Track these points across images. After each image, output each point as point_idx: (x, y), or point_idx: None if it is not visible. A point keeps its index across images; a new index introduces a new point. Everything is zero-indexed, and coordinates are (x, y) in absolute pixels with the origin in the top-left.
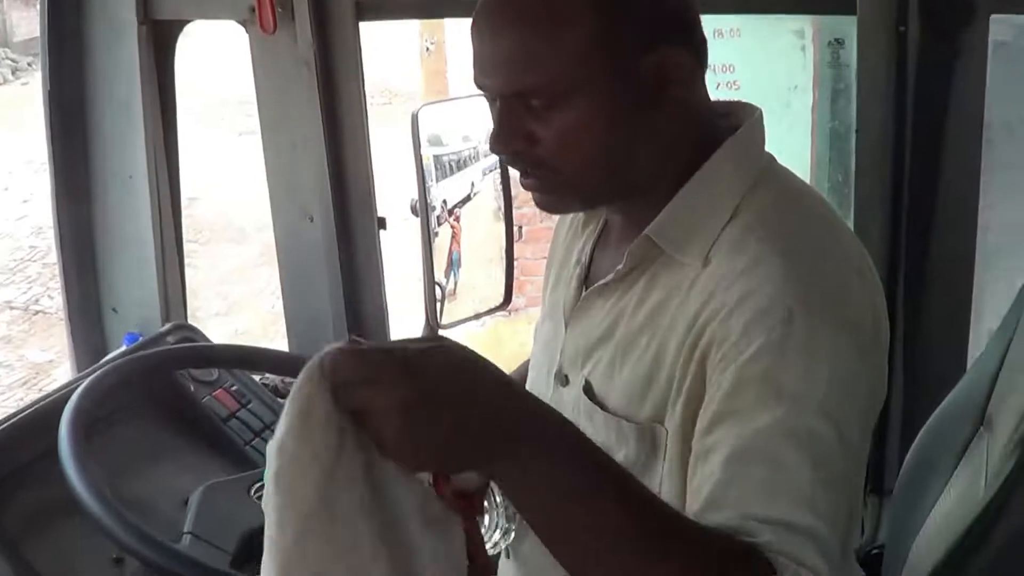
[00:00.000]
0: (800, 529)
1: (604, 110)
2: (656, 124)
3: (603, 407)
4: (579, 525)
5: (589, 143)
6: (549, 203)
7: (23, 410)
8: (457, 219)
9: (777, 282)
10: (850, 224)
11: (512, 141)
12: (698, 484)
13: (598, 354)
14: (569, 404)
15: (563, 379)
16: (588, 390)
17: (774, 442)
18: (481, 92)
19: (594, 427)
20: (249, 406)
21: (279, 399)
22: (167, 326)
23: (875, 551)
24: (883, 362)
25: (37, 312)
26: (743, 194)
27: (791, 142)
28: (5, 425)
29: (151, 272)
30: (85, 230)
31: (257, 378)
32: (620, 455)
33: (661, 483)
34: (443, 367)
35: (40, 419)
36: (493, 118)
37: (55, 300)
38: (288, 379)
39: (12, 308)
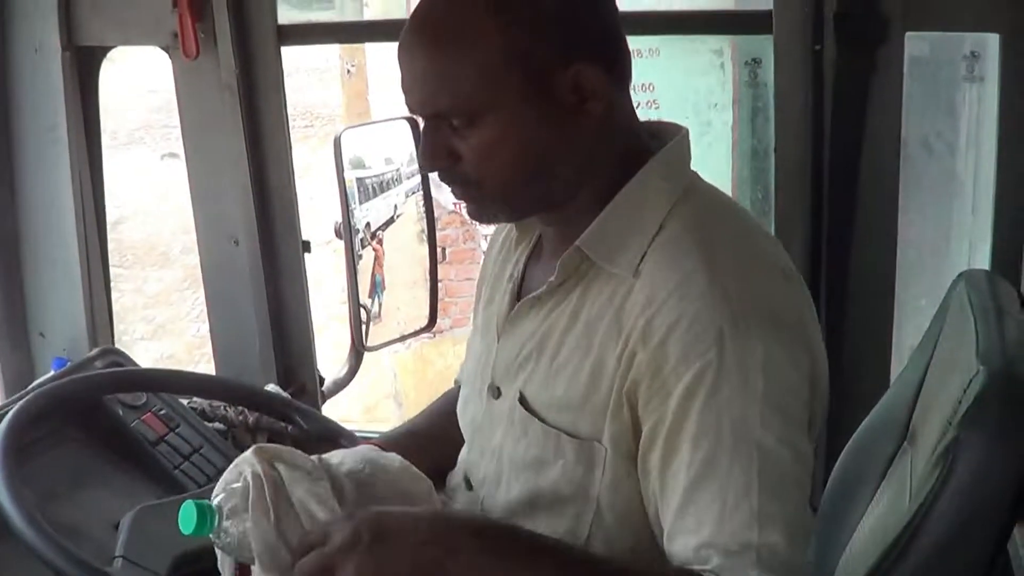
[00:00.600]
0: (751, 546)
1: (517, 126)
2: (575, 139)
3: (540, 418)
4: None
5: (505, 158)
6: (477, 214)
7: None
8: (380, 242)
9: (707, 301)
10: None
11: (437, 159)
12: (656, 514)
13: (531, 365)
14: (502, 417)
15: (495, 391)
16: (523, 401)
17: (719, 467)
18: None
19: (528, 440)
20: (178, 430)
21: (207, 422)
22: (95, 351)
23: None
24: (818, 357)
25: None
26: (670, 207)
27: (712, 160)
28: None
29: (77, 296)
30: (11, 254)
31: (185, 402)
32: (557, 466)
33: (599, 496)
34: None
35: None
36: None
37: None
38: (215, 402)
39: None
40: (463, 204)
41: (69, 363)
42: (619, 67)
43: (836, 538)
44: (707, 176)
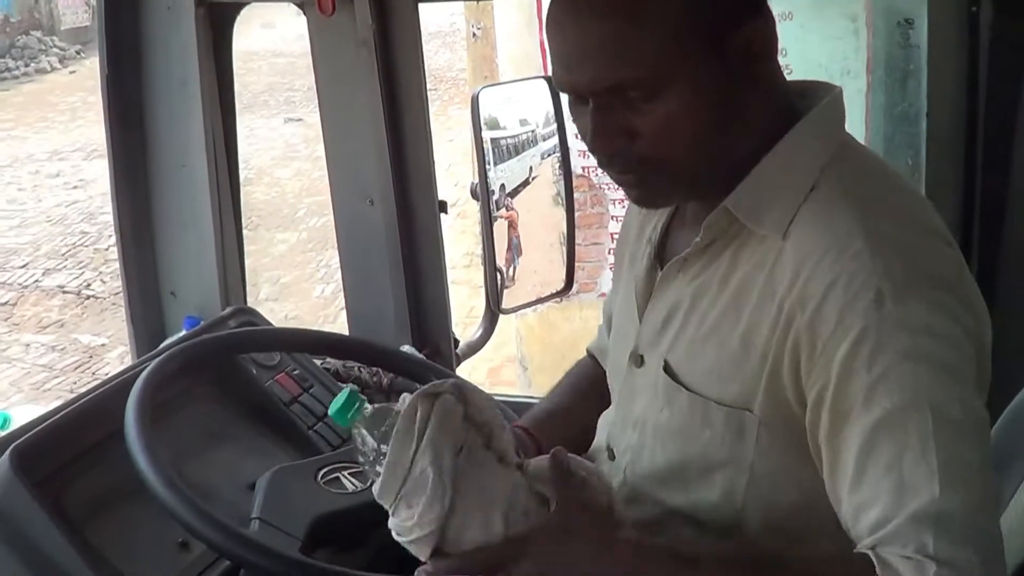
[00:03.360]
0: (927, 517)
1: (704, 93)
2: (748, 102)
3: (687, 387)
4: None
5: (694, 129)
6: (650, 198)
7: (86, 394)
8: (515, 205)
9: (864, 261)
10: None
11: (614, 139)
12: (832, 487)
13: (676, 332)
14: (646, 387)
15: (638, 360)
16: (668, 369)
17: (893, 430)
18: (568, 94)
19: (672, 409)
20: (311, 391)
21: (340, 384)
22: (228, 310)
23: None
24: (981, 317)
25: (89, 297)
26: (822, 167)
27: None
28: (69, 409)
29: (210, 255)
30: (143, 214)
31: (319, 363)
32: (703, 436)
33: (753, 464)
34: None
35: (104, 404)
36: (580, 117)
37: (107, 285)
38: (349, 364)
39: (65, 292)
40: (629, 188)
41: (201, 322)
42: (774, 24)
43: None
44: None
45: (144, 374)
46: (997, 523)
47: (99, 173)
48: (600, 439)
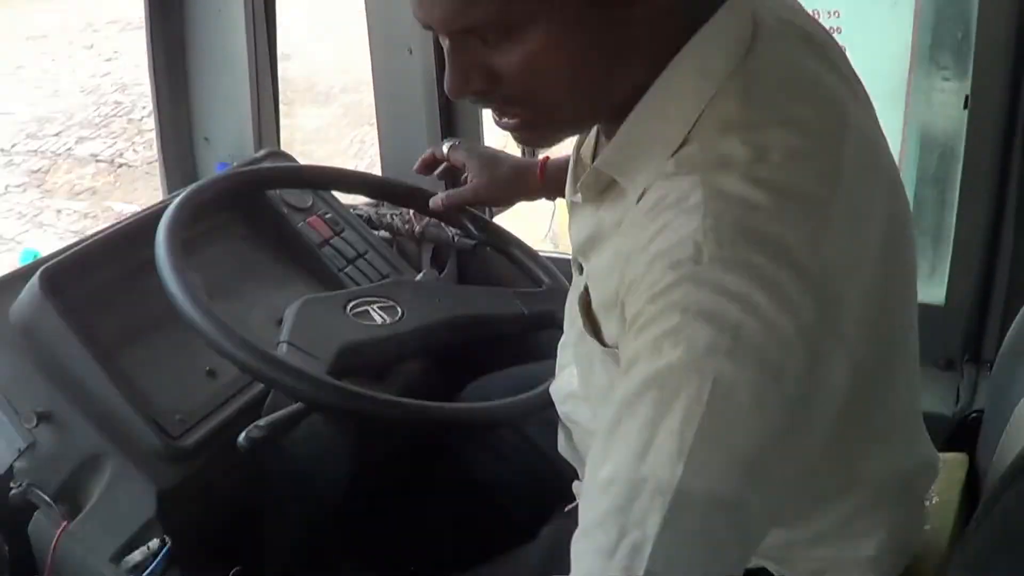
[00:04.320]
0: (664, 492)
1: (568, 32)
2: (628, 37)
3: (586, 319)
4: None
5: (556, 71)
6: (533, 140)
7: (118, 223)
8: None
9: (693, 216)
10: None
11: (470, 81)
12: None
13: (588, 263)
14: (572, 301)
15: (579, 267)
16: (583, 296)
17: (661, 392)
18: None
19: (574, 332)
20: (343, 234)
21: (372, 230)
22: (261, 152)
23: (972, 416)
24: (828, 312)
25: (122, 165)
26: (700, 110)
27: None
28: (100, 237)
29: (244, 99)
30: (177, 56)
31: (350, 207)
32: (599, 370)
33: None
34: None
35: (135, 233)
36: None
37: (139, 154)
38: (381, 210)
39: (98, 161)
40: (510, 130)
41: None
42: None
43: (1013, 388)
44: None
45: (175, 203)
46: (732, 533)
47: (134, 45)
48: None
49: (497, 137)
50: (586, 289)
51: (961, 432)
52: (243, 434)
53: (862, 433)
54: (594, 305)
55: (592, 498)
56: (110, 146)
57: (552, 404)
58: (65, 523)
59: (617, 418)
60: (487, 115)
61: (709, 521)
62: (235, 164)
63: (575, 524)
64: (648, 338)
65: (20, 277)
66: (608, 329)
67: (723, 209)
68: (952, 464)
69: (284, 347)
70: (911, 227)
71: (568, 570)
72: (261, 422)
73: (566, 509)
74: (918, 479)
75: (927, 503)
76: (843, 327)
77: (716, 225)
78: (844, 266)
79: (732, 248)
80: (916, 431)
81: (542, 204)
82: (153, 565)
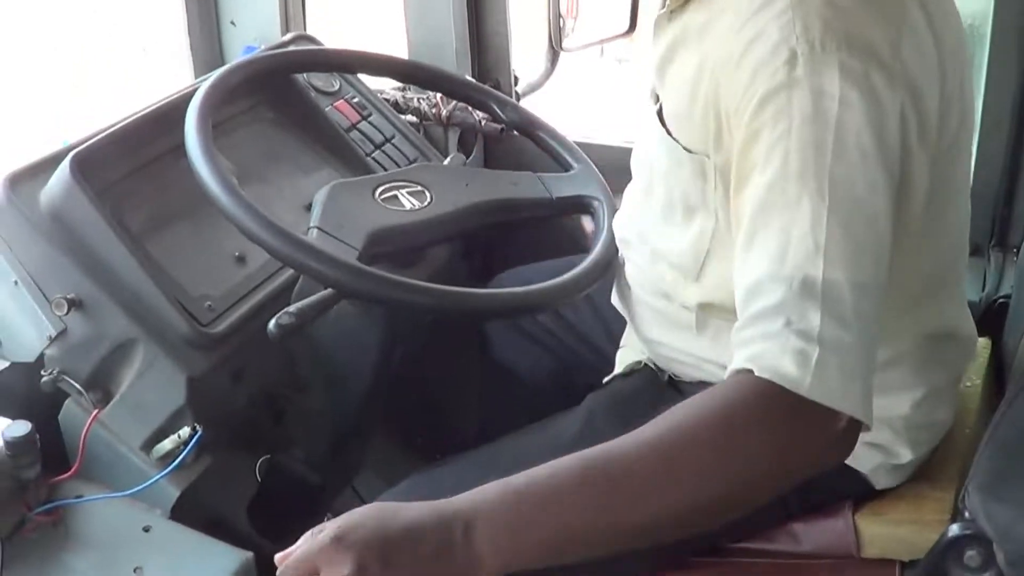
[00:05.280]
0: (815, 281)
1: None
2: None
3: (668, 131)
4: (601, 530)
5: None
6: None
7: (147, 108)
8: None
9: (785, 21)
10: None
11: None
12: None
13: (670, 77)
14: (652, 126)
15: (655, 96)
16: (660, 112)
17: (786, 195)
18: None
19: (660, 151)
20: (370, 119)
21: (399, 114)
22: (288, 36)
23: (1000, 301)
24: (924, 96)
25: None
26: None
27: None
28: (130, 121)
29: None
30: None
31: (378, 92)
32: (681, 176)
33: (716, 211)
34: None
35: (164, 117)
36: None
37: None
38: (408, 95)
39: None
40: None
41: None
42: None
43: None
44: None
45: (204, 87)
46: (879, 313)
47: None
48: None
49: (526, 24)
50: (660, 106)
51: (988, 317)
52: (273, 321)
53: (915, 275)
54: (668, 115)
55: (742, 304)
56: None
57: (588, 287)
58: (96, 411)
59: (751, 231)
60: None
61: (858, 304)
62: (262, 48)
63: (612, 396)
64: (762, 149)
65: (50, 162)
66: (686, 135)
67: (809, 11)
68: (981, 349)
69: (315, 232)
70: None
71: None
72: (291, 308)
73: (604, 381)
74: (954, 346)
75: (960, 386)
76: (927, 126)
77: (806, 29)
78: (924, 69)
79: (822, 50)
80: (959, 298)
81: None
82: (184, 453)
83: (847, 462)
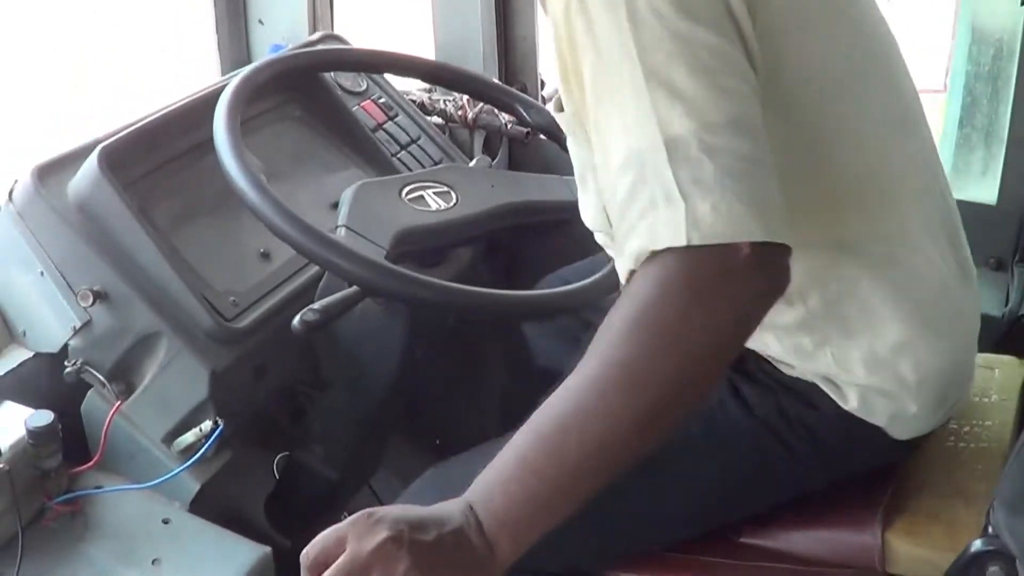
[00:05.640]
0: (655, 149)
1: None
2: None
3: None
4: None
5: None
6: None
7: (176, 103)
8: None
9: None
10: None
11: None
12: None
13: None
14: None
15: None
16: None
17: (606, 85)
18: None
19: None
20: (396, 119)
21: (425, 115)
22: (316, 35)
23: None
24: None
25: None
26: None
27: None
28: (158, 116)
29: None
30: None
31: (404, 94)
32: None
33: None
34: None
35: (192, 113)
36: None
37: None
38: (435, 96)
39: None
40: None
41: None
42: None
43: None
44: None
45: (233, 84)
46: (755, 143)
47: None
48: None
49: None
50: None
51: (1013, 333)
52: (297, 317)
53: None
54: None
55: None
56: None
57: (611, 291)
58: (118, 403)
59: (597, 136)
60: None
61: (713, 143)
62: (289, 47)
63: None
64: (580, 55)
65: (79, 154)
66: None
67: None
68: (1008, 366)
69: (342, 231)
70: None
71: None
72: (315, 305)
73: None
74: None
75: (987, 399)
76: None
77: None
78: None
79: None
80: (924, 242)
81: None
82: (205, 447)
83: (863, 416)
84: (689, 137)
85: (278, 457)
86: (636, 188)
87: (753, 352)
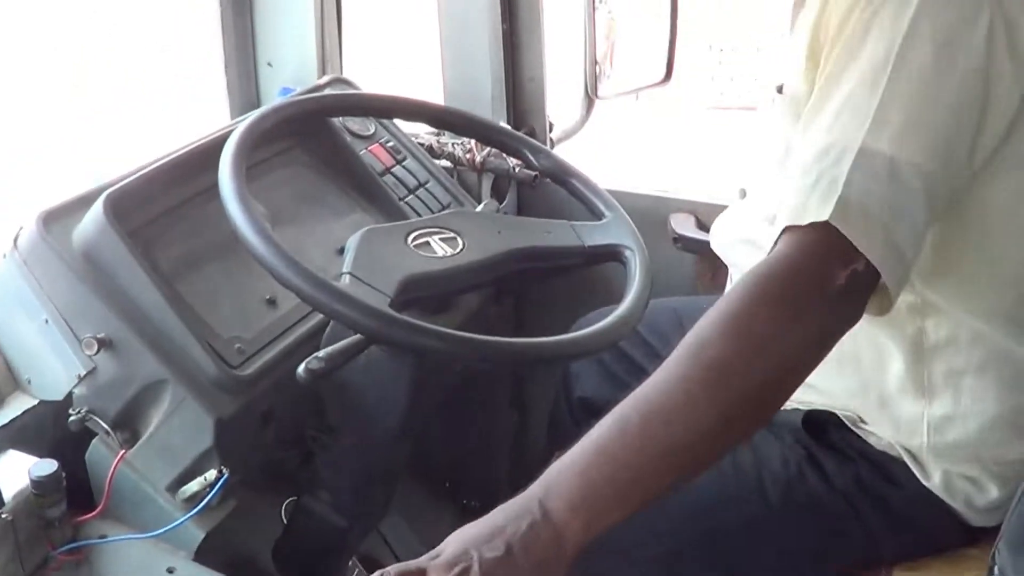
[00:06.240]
0: (850, 148)
1: None
2: None
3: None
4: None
5: None
6: None
7: (181, 149)
8: None
9: None
10: None
11: None
12: None
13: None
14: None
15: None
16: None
17: (849, 70)
18: None
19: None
20: (404, 163)
21: (434, 159)
22: (324, 79)
23: None
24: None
25: None
26: None
27: None
28: (164, 162)
29: (308, 24)
30: None
31: (412, 137)
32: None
33: None
34: None
35: (198, 159)
36: None
37: None
38: (443, 139)
39: None
40: None
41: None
42: None
43: None
44: None
45: (239, 130)
46: (928, 199)
47: None
48: None
49: (558, 71)
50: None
51: None
52: (303, 365)
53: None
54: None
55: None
56: None
57: (621, 336)
58: (123, 451)
59: (816, 105)
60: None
61: (897, 173)
62: (298, 90)
63: None
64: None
65: (84, 201)
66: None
67: None
68: None
69: (347, 278)
70: None
71: None
72: (321, 353)
73: None
74: None
75: None
76: (1018, 46)
77: None
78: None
79: None
80: None
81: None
82: (210, 496)
83: (940, 495)
84: (883, 158)
85: (286, 503)
86: (813, 163)
87: (837, 418)
